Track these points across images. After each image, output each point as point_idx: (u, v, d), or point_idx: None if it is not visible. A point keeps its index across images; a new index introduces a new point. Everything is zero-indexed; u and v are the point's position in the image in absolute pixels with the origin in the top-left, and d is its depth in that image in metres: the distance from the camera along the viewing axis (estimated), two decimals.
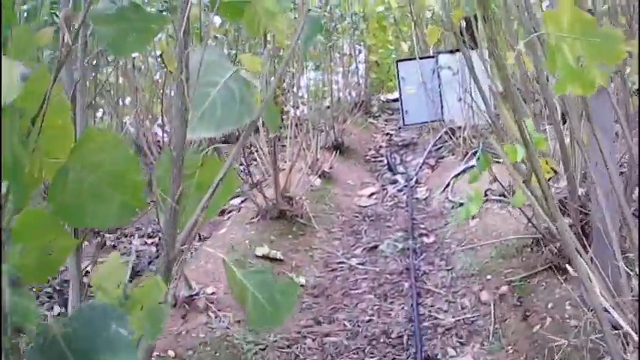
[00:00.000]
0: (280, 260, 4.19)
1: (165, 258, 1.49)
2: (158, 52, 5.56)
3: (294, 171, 5.09)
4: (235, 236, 4.43)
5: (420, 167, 6.41)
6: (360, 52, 9.92)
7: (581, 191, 3.48)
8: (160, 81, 5.92)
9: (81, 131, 1.54)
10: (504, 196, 4.49)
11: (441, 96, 6.47)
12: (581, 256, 1.84)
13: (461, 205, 4.95)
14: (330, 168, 6.09)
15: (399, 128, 8.86)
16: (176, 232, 1.56)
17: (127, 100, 6.34)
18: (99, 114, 6.27)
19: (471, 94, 5.78)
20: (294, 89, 6.31)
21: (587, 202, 3.45)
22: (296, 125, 5.58)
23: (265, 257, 4.17)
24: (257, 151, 5.22)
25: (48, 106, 1.18)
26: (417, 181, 6.14)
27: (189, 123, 1.47)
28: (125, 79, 5.68)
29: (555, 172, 2.69)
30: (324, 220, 5.06)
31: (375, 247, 4.60)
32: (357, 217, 5.33)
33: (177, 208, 1.51)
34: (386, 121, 10.02)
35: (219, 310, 3.48)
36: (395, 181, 6.29)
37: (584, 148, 2.49)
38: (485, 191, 4.81)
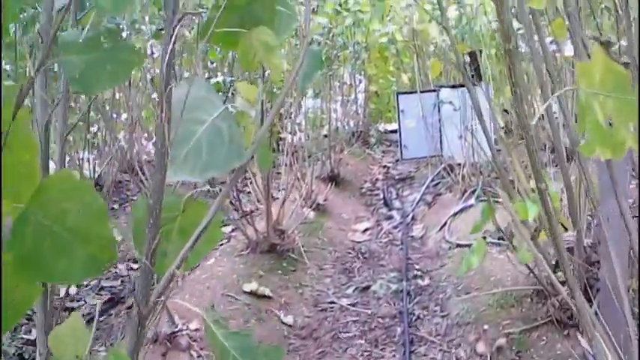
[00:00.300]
0: (269, 297, 4.02)
1: (135, 317, 1.33)
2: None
3: (288, 201, 4.93)
4: (223, 269, 4.27)
5: (417, 203, 6.25)
6: (360, 81, 9.82)
7: (586, 242, 3.34)
8: (157, 98, 5.76)
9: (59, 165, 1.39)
10: (503, 239, 4.34)
11: (440, 131, 6.33)
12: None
13: (458, 246, 4.80)
14: (325, 200, 5.94)
15: (397, 161, 8.73)
16: (150, 287, 1.40)
17: (123, 116, 6.22)
18: (93, 129, 6.16)
19: (471, 132, 5.64)
20: (292, 116, 6.18)
21: (592, 253, 3.31)
22: (292, 154, 5.43)
23: (253, 293, 4.01)
24: (249, 177, 5.06)
25: (12, 138, 1.02)
26: (413, 218, 5.98)
27: (171, 164, 1.32)
28: (122, 94, 5.54)
29: (566, 229, 2.53)
30: (316, 255, 4.89)
31: (368, 287, 4.43)
32: (350, 253, 5.16)
33: (152, 262, 1.35)
34: (383, 152, 9.88)
35: (201, 349, 3.31)
36: (390, 217, 6.14)
37: (594, 200, 2.35)
38: (483, 235, 4.66)
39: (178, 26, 1.11)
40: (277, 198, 5.03)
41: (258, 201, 4.85)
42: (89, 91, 1.09)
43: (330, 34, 6.44)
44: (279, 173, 5.33)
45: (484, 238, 4.64)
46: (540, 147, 7.24)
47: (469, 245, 4.68)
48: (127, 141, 5.69)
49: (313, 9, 4.73)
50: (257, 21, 1.56)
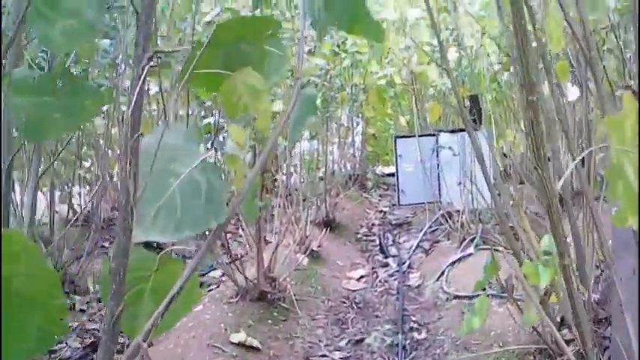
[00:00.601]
0: (257, 349, 3.82)
1: None
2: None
3: (281, 246, 4.75)
4: (211, 317, 4.07)
5: (414, 251, 6.07)
6: (357, 123, 9.70)
7: (593, 297, 3.17)
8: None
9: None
10: (503, 291, 4.17)
11: (439, 177, 6.17)
12: None
13: (456, 297, 4.62)
14: (319, 247, 5.75)
15: (393, 205, 8.57)
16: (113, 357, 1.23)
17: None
18: (87, 164, 6.01)
19: (471, 179, 5.49)
20: (287, 158, 6.04)
21: (599, 310, 3.15)
22: (286, 196, 5.27)
23: (241, 345, 3.80)
24: (239, 219, 4.88)
25: None
26: (409, 266, 5.80)
27: (141, 222, 1.15)
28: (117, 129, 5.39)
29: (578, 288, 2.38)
30: (308, 304, 4.69)
31: (362, 339, 4.23)
32: (344, 302, 4.97)
33: (115, 332, 1.18)
34: (380, 196, 9.73)
35: None
36: (386, 264, 5.96)
37: (608, 256, 2.18)
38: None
39: (147, 67, 0.95)
40: (270, 242, 4.86)
41: (249, 246, 4.66)
42: (37, 139, 0.94)
43: (328, 76, 6.31)
44: (273, 215, 5.17)
45: (484, 289, 4.47)
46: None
47: (468, 297, 4.50)
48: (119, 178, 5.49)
49: (310, 50, 4.61)
50: (245, 62, 1.41)
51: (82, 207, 5.39)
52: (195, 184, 1.20)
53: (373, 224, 7.79)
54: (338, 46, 6.23)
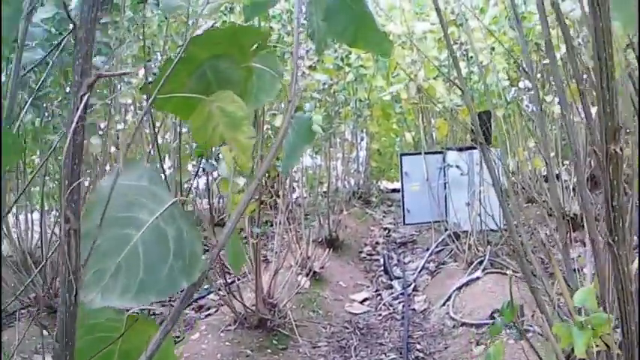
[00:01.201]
0: None
1: None
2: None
3: (281, 267, 4.54)
4: (208, 346, 3.88)
5: (419, 272, 5.85)
6: (362, 139, 9.50)
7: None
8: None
9: None
10: (516, 324, 3.94)
11: (446, 196, 5.95)
12: None
13: (463, 325, 4.40)
14: (322, 268, 5.53)
15: (398, 222, 8.36)
16: None
17: None
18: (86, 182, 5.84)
19: (480, 200, 5.27)
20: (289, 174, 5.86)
21: None
22: (288, 213, 5.05)
23: None
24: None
25: None
26: (414, 288, 5.57)
27: (92, 284, 0.94)
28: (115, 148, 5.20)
29: (609, 347, 2.14)
30: (309, 330, 4.48)
31: None
32: (346, 328, 4.74)
33: None
34: (385, 212, 9.52)
35: None
36: (391, 286, 5.73)
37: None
38: (492, 313, 4.26)
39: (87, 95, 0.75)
40: (269, 260, 4.66)
41: (248, 269, 4.43)
42: None
43: (331, 90, 6.11)
44: (274, 232, 4.95)
45: (493, 317, 4.25)
46: (548, 212, 6.89)
47: (475, 325, 4.28)
48: None
49: (312, 65, 4.41)
50: (225, 82, 1.21)
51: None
52: (161, 235, 1.00)
53: (377, 242, 7.58)
54: (342, 59, 6.03)
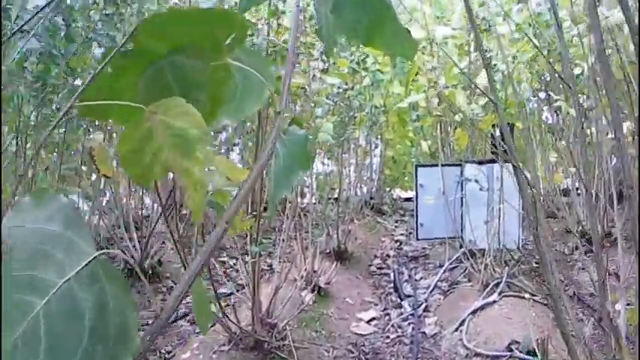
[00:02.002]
0: None
1: None
2: None
3: (282, 280, 4.22)
4: None
5: (431, 292, 5.52)
6: (376, 146, 9.17)
7: None
8: None
9: None
10: (534, 354, 3.62)
11: (462, 212, 5.60)
12: None
13: (477, 355, 4.07)
14: (328, 283, 5.21)
15: (410, 233, 8.03)
16: None
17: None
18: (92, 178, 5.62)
19: (499, 217, 4.94)
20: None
21: None
22: (295, 222, 4.74)
23: None
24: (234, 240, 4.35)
25: None
26: (425, 309, 5.24)
27: None
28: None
29: None
30: (310, 353, 4.15)
31: None
32: (351, 352, 4.41)
33: None
34: (397, 222, 9.19)
35: None
36: (400, 306, 5.40)
37: None
38: (509, 344, 3.94)
39: None
40: (269, 270, 4.35)
41: (245, 281, 4.09)
42: None
43: (346, 95, 5.79)
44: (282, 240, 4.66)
45: (510, 349, 3.93)
46: (566, 229, 6.55)
47: (491, 357, 3.95)
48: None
49: (324, 68, 4.07)
50: (192, 85, 0.89)
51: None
52: (74, 304, 0.68)
53: (388, 255, 7.24)
54: (358, 63, 5.71)
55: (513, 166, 2.23)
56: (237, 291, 4.36)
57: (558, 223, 6.89)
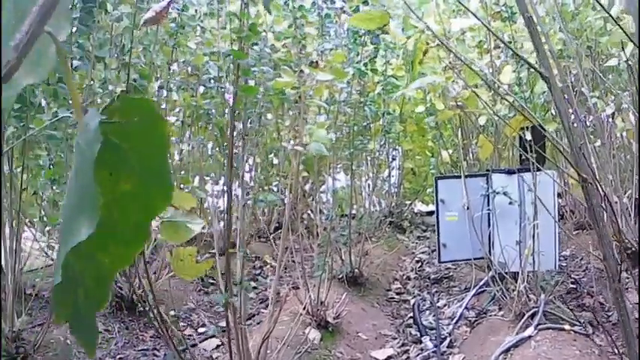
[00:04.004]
0: None
1: None
2: None
3: (283, 314, 3.56)
4: None
5: (456, 323, 4.79)
6: (394, 158, 8.47)
7: None
8: None
9: None
10: None
11: (490, 230, 4.85)
12: None
13: None
14: (337, 317, 4.51)
15: (433, 251, 7.31)
16: None
17: None
18: None
19: (534, 236, 4.23)
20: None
21: None
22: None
23: None
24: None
25: None
26: (449, 344, 4.53)
27: None
28: None
29: None
30: None
31: None
32: None
33: None
34: (418, 238, 8.47)
35: None
36: (420, 341, 4.68)
37: None
38: None
39: None
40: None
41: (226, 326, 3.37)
42: None
43: (352, 99, 5.14)
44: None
45: None
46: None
47: None
48: None
49: (313, 62, 3.34)
50: None
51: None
52: None
53: (408, 278, 6.54)
54: (365, 64, 5.02)
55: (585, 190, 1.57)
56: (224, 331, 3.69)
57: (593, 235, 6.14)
